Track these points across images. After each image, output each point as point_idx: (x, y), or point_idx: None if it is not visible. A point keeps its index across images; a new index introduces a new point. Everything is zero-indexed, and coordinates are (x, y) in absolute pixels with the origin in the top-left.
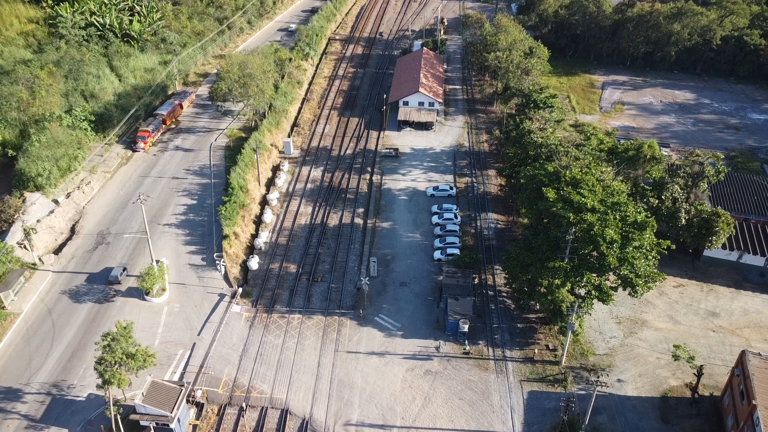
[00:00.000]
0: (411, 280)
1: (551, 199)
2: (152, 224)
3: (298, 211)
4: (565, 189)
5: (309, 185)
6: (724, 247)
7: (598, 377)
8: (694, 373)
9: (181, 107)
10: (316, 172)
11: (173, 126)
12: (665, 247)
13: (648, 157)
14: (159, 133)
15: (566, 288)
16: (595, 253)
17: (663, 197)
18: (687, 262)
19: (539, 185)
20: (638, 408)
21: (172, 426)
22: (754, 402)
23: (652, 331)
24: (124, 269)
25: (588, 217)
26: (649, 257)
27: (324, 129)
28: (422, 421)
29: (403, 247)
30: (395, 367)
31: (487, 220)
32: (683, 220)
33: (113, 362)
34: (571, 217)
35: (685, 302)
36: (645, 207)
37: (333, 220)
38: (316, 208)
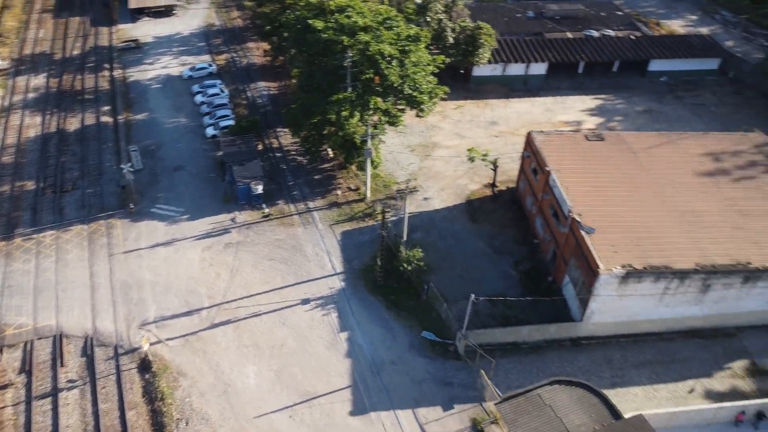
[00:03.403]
0: (185, 162)
1: (320, 28)
2: None
3: (22, 124)
4: (332, 18)
5: (31, 95)
6: (489, 62)
7: (407, 184)
8: (491, 168)
9: None
10: (38, 81)
11: None
12: (441, 62)
13: None
14: None
15: (356, 118)
16: (377, 78)
17: (428, 19)
18: (459, 87)
19: (305, 23)
20: (448, 216)
21: None
22: (547, 169)
23: (444, 150)
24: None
25: (362, 37)
26: (427, 71)
27: (38, 34)
28: (234, 293)
29: (168, 133)
30: (188, 251)
31: (258, 89)
32: (451, 39)
33: None
34: (345, 40)
35: (467, 119)
36: None
37: (73, 125)
38: (47, 117)
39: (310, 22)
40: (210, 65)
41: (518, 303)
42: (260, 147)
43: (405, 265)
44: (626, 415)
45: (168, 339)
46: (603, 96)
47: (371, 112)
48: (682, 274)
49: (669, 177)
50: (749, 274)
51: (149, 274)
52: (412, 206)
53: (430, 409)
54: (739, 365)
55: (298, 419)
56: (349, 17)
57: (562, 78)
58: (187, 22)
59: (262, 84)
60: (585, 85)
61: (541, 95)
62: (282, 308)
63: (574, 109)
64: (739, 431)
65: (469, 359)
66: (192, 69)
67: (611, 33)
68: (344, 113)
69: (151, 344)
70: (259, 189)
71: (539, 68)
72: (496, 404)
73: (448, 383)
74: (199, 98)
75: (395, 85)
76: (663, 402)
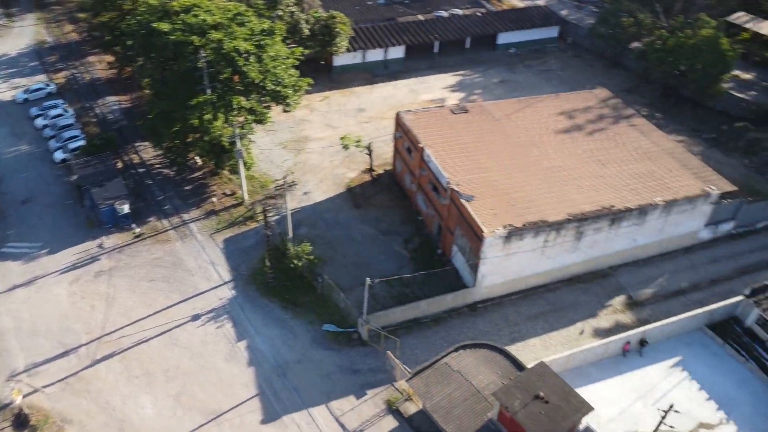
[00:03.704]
0: (35, 192)
1: (167, 30)
2: None
3: None
4: (178, 19)
5: None
6: (348, 50)
7: (284, 180)
8: (366, 154)
9: None
10: None
11: None
12: (299, 54)
13: None
14: None
15: (220, 121)
16: (236, 77)
17: (280, 13)
18: (323, 78)
19: (149, 28)
20: (332, 207)
21: None
22: (420, 145)
23: (317, 142)
24: None
25: (214, 35)
26: (288, 64)
27: None
28: (114, 323)
29: (9, 164)
30: (53, 288)
31: (107, 104)
32: (306, 31)
33: None
34: (196, 41)
35: (335, 109)
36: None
37: None
38: None
39: (154, 25)
40: (47, 85)
41: (413, 280)
42: (120, 165)
43: (295, 261)
44: (529, 366)
45: (45, 386)
46: (460, 72)
47: (235, 112)
48: (557, 226)
49: (531, 138)
50: (614, 217)
51: (9, 321)
52: (293, 202)
53: (343, 400)
54: (618, 301)
55: None
56: (196, 16)
57: (420, 59)
58: (13, 41)
59: (111, 98)
60: (442, 63)
61: (403, 78)
62: (171, 329)
63: (435, 88)
64: (627, 360)
65: (374, 343)
66: (26, 91)
67: (459, 12)
68: (207, 117)
69: (25, 396)
70: (126, 209)
71: (397, 52)
72: (407, 381)
73: (357, 371)
74: (39, 122)
75: (256, 81)
76: (558, 347)
